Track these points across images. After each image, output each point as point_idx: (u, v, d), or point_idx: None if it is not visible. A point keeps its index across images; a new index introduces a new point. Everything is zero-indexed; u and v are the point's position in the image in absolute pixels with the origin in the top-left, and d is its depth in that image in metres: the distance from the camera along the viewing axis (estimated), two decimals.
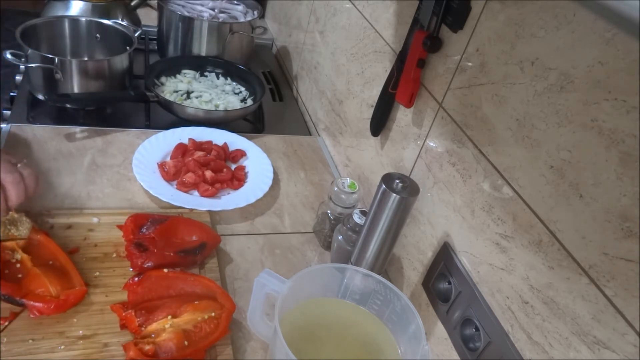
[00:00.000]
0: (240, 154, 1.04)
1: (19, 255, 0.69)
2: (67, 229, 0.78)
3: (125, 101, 1.12)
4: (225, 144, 1.03)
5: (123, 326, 0.66)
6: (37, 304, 0.64)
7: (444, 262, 0.69)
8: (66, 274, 0.70)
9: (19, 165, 0.72)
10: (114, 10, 1.23)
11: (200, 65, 1.26)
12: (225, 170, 0.97)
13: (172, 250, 0.75)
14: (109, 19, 1.16)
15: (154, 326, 0.65)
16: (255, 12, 1.37)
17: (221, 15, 1.34)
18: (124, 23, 1.18)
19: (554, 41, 0.52)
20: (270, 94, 1.36)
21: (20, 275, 0.68)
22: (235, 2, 1.40)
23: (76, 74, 1.00)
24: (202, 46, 1.27)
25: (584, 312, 0.49)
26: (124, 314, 0.66)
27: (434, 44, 0.71)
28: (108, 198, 0.87)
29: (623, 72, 0.45)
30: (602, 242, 0.47)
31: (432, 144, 0.75)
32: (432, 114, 0.75)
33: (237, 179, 0.97)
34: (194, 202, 0.88)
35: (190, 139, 1.01)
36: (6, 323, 0.64)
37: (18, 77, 1.15)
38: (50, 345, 0.62)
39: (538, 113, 0.54)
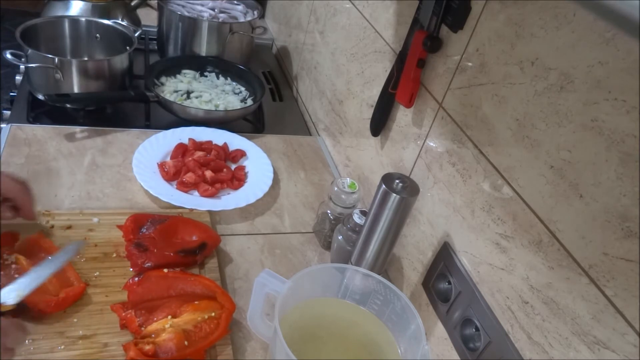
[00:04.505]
0: (240, 154, 1.04)
1: (14, 256, 0.69)
2: (67, 229, 0.78)
3: (125, 101, 1.12)
4: (225, 144, 1.03)
5: (123, 326, 0.66)
6: (37, 303, 0.64)
7: (444, 262, 0.69)
8: (63, 272, 0.69)
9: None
10: (114, 10, 1.23)
11: (200, 65, 1.26)
12: (225, 170, 0.97)
13: (172, 250, 0.75)
14: (109, 19, 1.16)
15: (154, 326, 0.65)
16: (255, 12, 1.37)
17: (221, 15, 1.34)
18: (124, 23, 1.18)
19: (554, 41, 0.52)
20: (270, 94, 1.36)
21: (17, 276, 0.68)
22: (235, 2, 1.40)
23: (76, 74, 1.00)
24: (202, 46, 1.27)
25: (584, 312, 0.49)
26: (124, 314, 0.66)
27: (434, 44, 0.71)
28: (108, 198, 0.87)
29: (623, 72, 0.45)
30: (602, 242, 0.47)
31: (432, 144, 0.75)
32: (432, 114, 0.75)
33: (237, 179, 0.97)
34: (194, 202, 0.88)
35: (190, 139, 1.01)
36: None
37: (18, 77, 1.15)
38: (50, 345, 0.62)
39: (538, 113, 0.54)
